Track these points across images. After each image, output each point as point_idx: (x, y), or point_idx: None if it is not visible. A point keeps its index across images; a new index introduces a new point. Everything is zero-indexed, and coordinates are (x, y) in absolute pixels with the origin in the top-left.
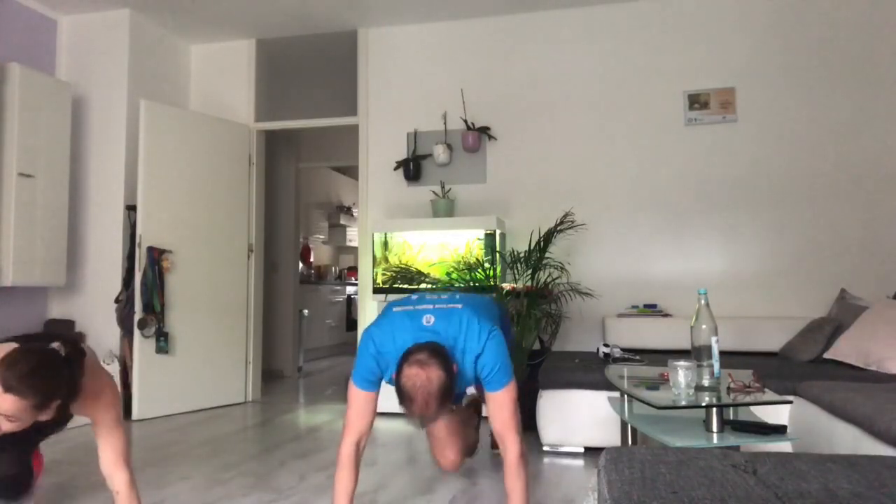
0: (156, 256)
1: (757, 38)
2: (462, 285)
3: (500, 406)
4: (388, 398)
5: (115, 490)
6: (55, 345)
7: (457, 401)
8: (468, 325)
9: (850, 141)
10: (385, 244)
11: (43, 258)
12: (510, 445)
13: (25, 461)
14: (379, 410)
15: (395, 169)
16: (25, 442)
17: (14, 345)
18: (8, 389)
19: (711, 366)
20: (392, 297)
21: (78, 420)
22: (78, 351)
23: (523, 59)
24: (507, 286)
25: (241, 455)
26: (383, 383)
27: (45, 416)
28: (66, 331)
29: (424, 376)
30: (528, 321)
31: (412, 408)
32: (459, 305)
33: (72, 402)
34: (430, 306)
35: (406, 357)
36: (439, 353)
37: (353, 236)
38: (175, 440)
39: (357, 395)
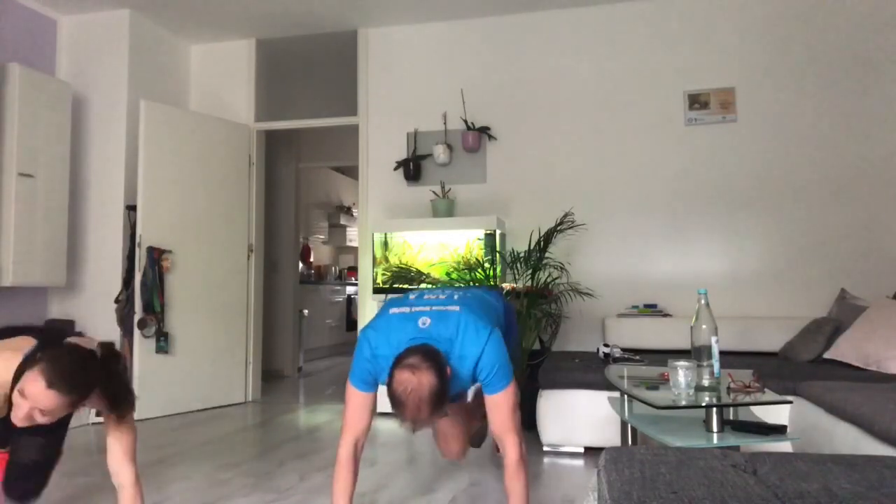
0: (156, 256)
1: (757, 38)
2: (462, 285)
3: (497, 408)
4: (387, 398)
5: (120, 485)
6: (95, 348)
7: (455, 400)
8: (465, 328)
9: (851, 140)
10: (385, 244)
11: (43, 258)
12: (509, 447)
13: (55, 451)
14: (379, 410)
15: (395, 169)
16: (59, 432)
17: (30, 339)
18: (51, 385)
19: (711, 366)
20: (392, 297)
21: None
22: (115, 357)
23: (523, 59)
24: (507, 286)
25: (241, 455)
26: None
27: (71, 412)
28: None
29: (416, 381)
30: (528, 321)
31: (403, 413)
32: (457, 308)
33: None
34: (427, 308)
35: (398, 361)
36: (432, 356)
37: (353, 236)
38: (175, 440)
39: (355, 395)
